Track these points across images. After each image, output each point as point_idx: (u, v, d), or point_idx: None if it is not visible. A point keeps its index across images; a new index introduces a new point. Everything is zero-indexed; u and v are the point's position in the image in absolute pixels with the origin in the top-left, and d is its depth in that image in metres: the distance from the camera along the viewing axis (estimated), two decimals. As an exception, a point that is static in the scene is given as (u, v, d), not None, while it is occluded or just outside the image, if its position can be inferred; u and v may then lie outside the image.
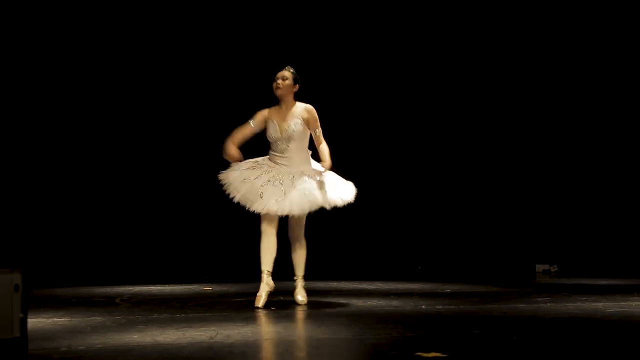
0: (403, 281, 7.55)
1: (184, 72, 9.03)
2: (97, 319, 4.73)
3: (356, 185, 5.50)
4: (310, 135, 5.42)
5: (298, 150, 5.38)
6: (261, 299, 5.26)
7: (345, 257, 9.09)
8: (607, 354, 3.53)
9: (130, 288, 6.93)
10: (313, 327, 4.43)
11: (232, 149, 5.39)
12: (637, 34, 9.12)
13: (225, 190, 5.32)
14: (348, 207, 9.35)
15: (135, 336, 4.00)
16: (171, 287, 7.03)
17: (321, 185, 5.26)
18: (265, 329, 4.19)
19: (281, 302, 5.53)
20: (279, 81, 5.39)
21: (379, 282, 7.46)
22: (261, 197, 5.19)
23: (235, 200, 5.28)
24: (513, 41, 9.38)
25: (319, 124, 5.40)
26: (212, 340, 3.82)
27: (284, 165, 5.35)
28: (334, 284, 7.23)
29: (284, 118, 5.38)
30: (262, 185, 5.23)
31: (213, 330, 4.17)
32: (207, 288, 6.97)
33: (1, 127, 8.44)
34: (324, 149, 5.37)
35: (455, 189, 9.49)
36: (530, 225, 9.35)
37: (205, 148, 8.80)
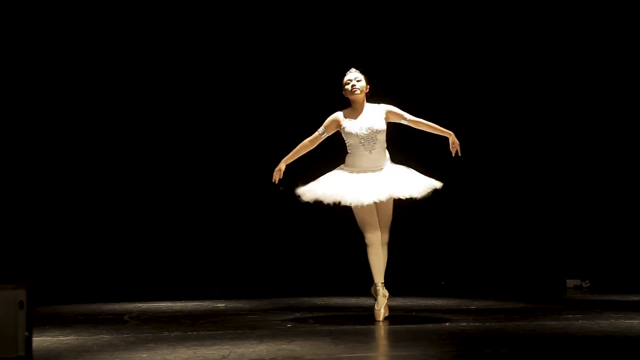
0: (426, 297, 7.55)
1: (212, 83, 9.09)
2: (104, 337, 4.76)
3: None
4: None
5: (382, 148, 5.45)
6: (380, 313, 5.40)
7: (365, 272, 9.07)
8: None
9: (139, 305, 6.97)
10: (330, 345, 4.43)
11: (280, 166, 5.49)
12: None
13: (311, 197, 5.38)
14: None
15: (145, 355, 4.02)
16: (182, 304, 7.05)
17: (400, 176, 5.41)
18: (280, 348, 4.19)
19: (298, 319, 5.55)
20: (354, 83, 5.37)
21: (400, 298, 7.45)
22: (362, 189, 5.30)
23: (329, 194, 5.32)
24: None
25: (400, 110, 5.45)
26: (224, 360, 3.85)
27: (368, 168, 5.39)
28: (352, 300, 7.24)
29: (365, 117, 5.40)
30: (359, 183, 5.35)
31: (226, 349, 4.19)
32: (220, 305, 6.99)
33: (9, 141, 8.56)
34: (429, 123, 5.46)
35: (481, 200, 9.45)
36: (561, 239, 9.30)
37: (217, 162, 8.90)
